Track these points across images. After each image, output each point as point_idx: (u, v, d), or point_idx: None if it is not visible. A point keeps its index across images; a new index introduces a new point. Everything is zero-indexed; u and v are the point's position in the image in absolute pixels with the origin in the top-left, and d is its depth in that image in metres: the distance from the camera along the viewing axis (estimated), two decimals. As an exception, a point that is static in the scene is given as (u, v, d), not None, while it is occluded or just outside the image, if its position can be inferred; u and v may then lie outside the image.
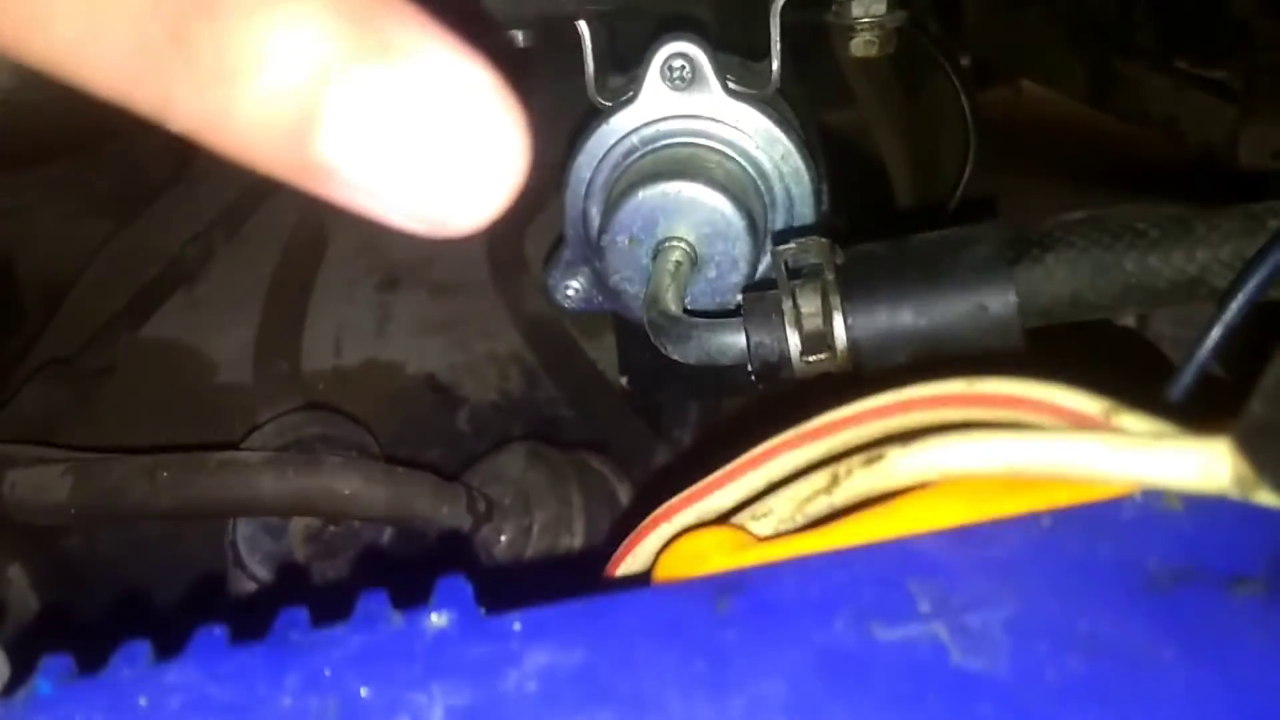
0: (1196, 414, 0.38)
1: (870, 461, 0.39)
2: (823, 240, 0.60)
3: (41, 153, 1.22)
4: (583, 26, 0.70)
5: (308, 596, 0.76)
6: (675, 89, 0.72)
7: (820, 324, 0.60)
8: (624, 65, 0.77)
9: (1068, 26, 1.34)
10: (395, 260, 1.08)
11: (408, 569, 0.83)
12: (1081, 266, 0.58)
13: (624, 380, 0.92)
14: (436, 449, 0.94)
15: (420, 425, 0.95)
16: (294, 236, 1.10)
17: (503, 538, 0.83)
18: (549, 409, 0.99)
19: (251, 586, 0.80)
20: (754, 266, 0.72)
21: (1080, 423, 0.38)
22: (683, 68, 0.71)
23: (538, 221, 1.11)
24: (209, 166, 1.32)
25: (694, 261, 0.71)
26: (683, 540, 0.41)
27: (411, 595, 0.38)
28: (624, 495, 0.89)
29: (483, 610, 0.36)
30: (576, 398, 0.99)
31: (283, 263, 1.06)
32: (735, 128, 0.72)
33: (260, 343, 0.97)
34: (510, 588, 0.74)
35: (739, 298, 0.72)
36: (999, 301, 0.57)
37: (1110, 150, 1.44)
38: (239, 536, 0.81)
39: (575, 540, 0.84)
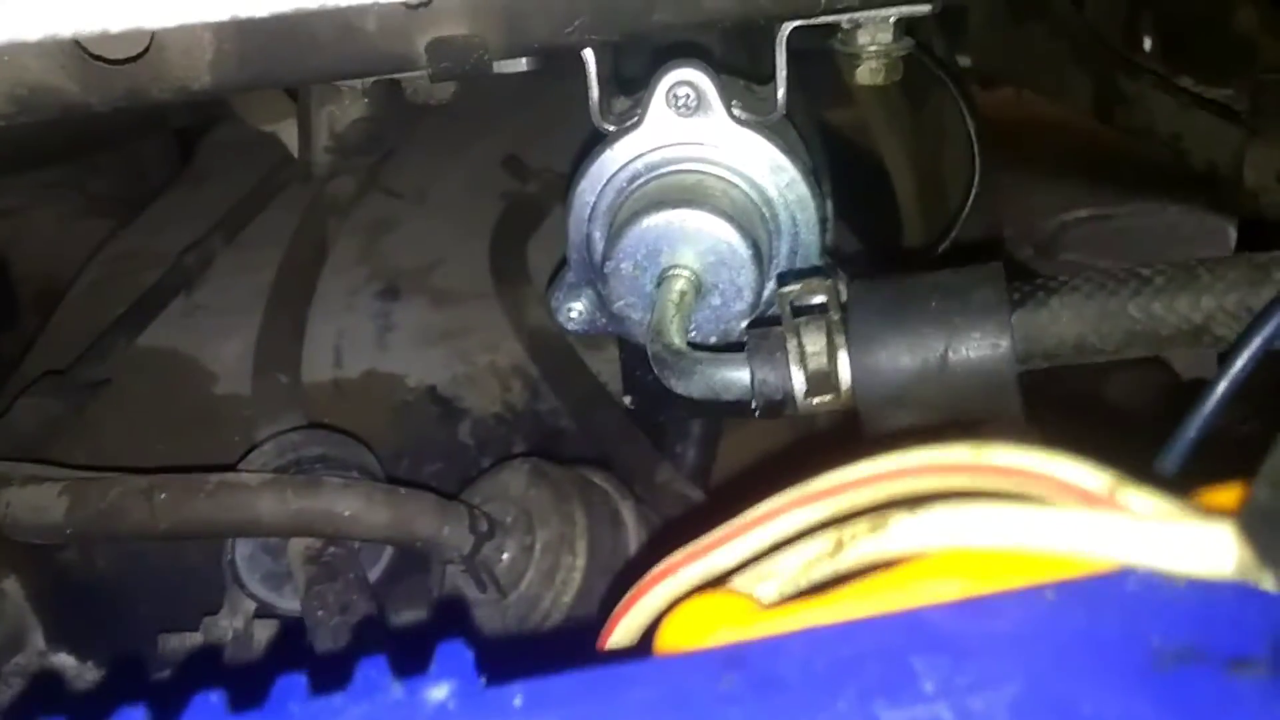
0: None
1: (875, 528, 0.39)
2: (828, 281, 0.60)
3: (38, 159, 1.22)
4: (588, 54, 0.69)
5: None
6: (680, 115, 0.71)
7: (825, 363, 0.60)
8: (628, 87, 0.77)
9: (1072, 43, 1.33)
10: (396, 268, 1.07)
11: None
12: (1086, 311, 0.58)
13: (627, 400, 0.92)
14: (438, 462, 0.93)
15: (421, 438, 0.94)
16: (294, 242, 1.09)
17: (504, 556, 0.82)
18: (551, 421, 0.98)
19: (250, 606, 0.80)
20: (758, 295, 0.72)
21: (1084, 498, 0.38)
22: (688, 95, 0.71)
23: (541, 232, 1.10)
24: (208, 168, 1.31)
25: (698, 289, 0.71)
26: (687, 606, 0.41)
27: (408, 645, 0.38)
28: (627, 513, 0.88)
29: (483, 680, 0.36)
30: (578, 410, 0.98)
31: (283, 269, 1.05)
32: (740, 155, 0.72)
33: (259, 353, 0.95)
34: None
35: (742, 326, 0.72)
36: (1000, 347, 0.57)
37: (1107, 152, 1.45)
38: (238, 556, 0.81)
39: (578, 559, 0.84)
